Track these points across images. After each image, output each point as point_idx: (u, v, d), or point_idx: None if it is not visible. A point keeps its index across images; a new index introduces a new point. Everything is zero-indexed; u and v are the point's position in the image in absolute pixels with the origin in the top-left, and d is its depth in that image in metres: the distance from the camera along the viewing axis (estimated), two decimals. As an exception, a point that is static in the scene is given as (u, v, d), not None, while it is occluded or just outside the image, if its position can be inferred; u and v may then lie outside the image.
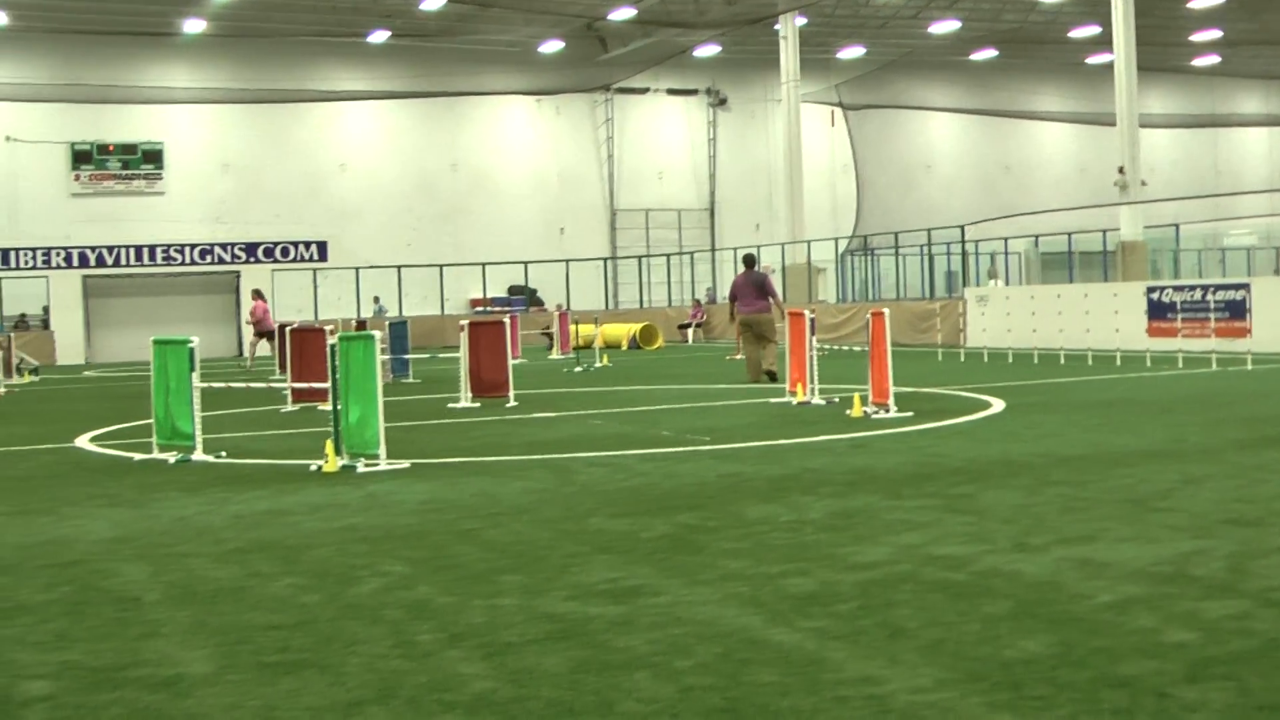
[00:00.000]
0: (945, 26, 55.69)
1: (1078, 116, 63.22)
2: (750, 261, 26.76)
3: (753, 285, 26.04)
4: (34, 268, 50.41)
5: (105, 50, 51.55)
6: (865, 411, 17.51)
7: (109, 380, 35.50)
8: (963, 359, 31.24)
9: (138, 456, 15.19)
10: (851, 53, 58.40)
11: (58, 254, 50.73)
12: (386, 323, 30.76)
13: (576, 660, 6.05)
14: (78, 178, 51.99)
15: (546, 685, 5.68)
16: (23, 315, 50.39)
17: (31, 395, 29.24)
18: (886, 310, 18.24)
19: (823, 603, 7.02)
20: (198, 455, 14.68)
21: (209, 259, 52.57)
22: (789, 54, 49.59)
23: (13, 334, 40.26)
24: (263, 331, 37.99)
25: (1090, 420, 16.40)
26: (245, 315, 39.91)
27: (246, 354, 39.87)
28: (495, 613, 7.04)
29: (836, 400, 19.37)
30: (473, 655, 6.22)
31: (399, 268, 53.74)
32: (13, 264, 50.26)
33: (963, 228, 42.67)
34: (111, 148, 52.28)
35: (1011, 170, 64.72)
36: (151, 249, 51.77)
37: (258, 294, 38.85)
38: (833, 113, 59.25)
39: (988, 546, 8.39)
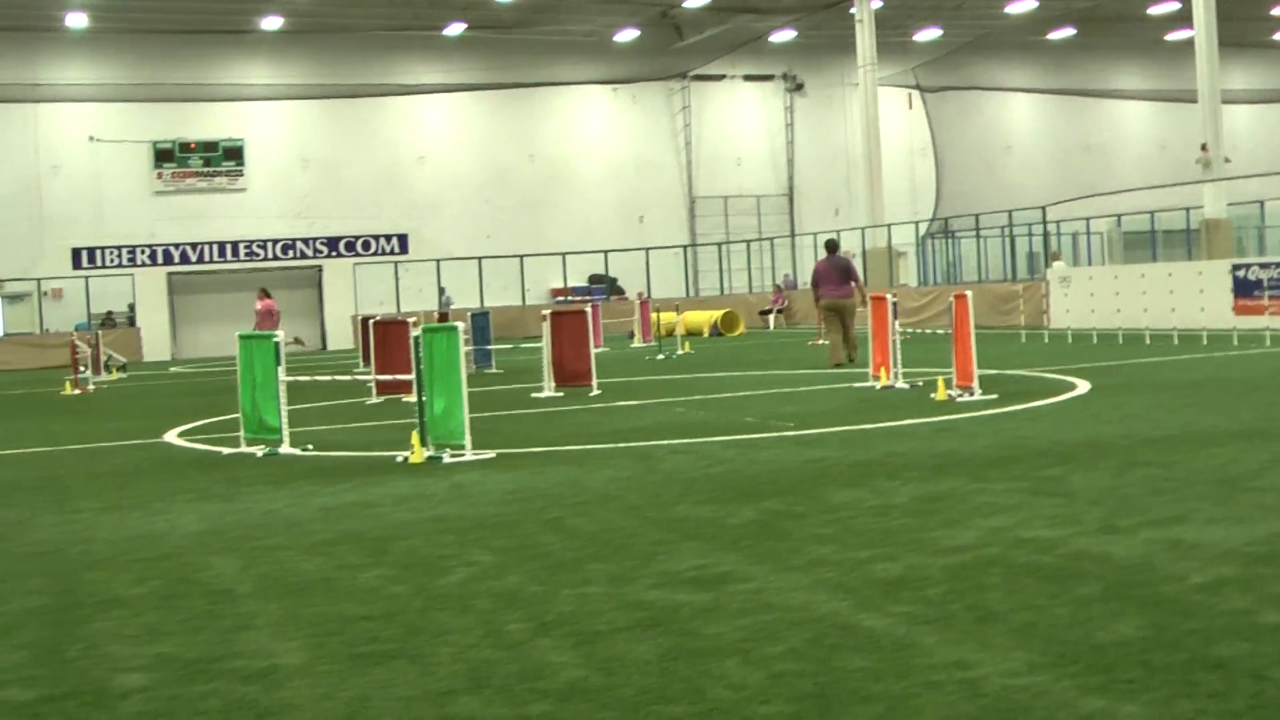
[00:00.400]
0: (1022, 6, 55.10)
1: (1158, 94, 62.51)
2: (833, 247, 26.69)
3: (837, 270, 26.02)
4: (119, 266, 51.09)
5: (184, 49, 52.02)
6: (949, 395, 17.41)
7: (195, 376, 35.87)
8: (1046, 340, 31.01)
9: (225, 451, 15.35)
10: (928, 35, 57.97)
11: (142, 252, 51.36)
12: (469, 314, 30.83)
13: (666, 648, 6.06)
14: (160, 176, 52.52)
15: (637, 673, 5.70)
16: (109, 313, 51.01)
17: (120, 391, 29.61)
18: (969, 293, 18.12)
19: (912, 587, 6.99)
20: (284, 449, 14.81)
21: (291, 254, 53.05)
22: (865, 37, 49.32)
23: (100, 331, 40.75)
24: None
25: (1177, 400, 16.22)
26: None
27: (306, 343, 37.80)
28: (584, 601, 7.06)
29: (920, 384, 19.27)
30: (563, 644, 6.24)
31: (479, 259, 53.93)
32: (99, 262, 50.94)
33: (1044, 208, 42.35)
34: (193, 145, 52.76)
35: (1092, 150, 64.04)
36: (234, 245, 52.34)
37: (264, 293, 36.97)
38: (910, 95, 58.92)
39: (1076, 529, 8.33)
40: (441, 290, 52.62)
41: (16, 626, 7.17)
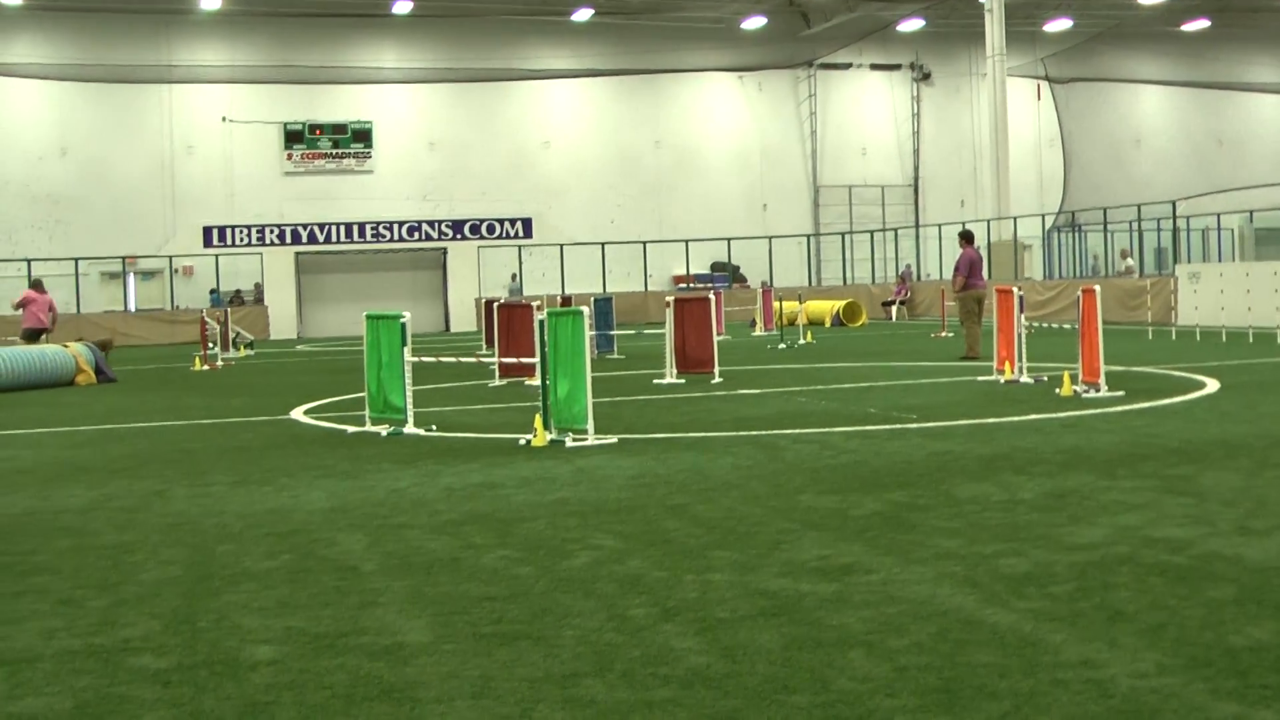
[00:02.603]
0: (1156, -4, 54.33)
1: (1296, 88, 61.35)
2: (971, 238, 26.23)
3: (980, 261, 25.82)
4: (249, 244, 51.76)
5: (316, 32, 52.65)
6: (1075, 390, 17.20)
7: (321, 354, 36.29)
8: (1174, 338, 30.54)
9: (351, 429, 15.52)
10: (1058, 25, 57.26)
11: (271, 231, 52.00)
12: (592, 299, 30.85)
13: (790, 637, 6.05)
14: (290, 157, 53.17)
15: (761, 661, 5.69)
16: (238, 291, 51.75)
17: (247, 369, 30.02)
18: (1098, 287, 17.89)
19: (1039, 584, 6.93)
20: (409, 428, 14.94)
21: (417, 236, 53.44)
22: (994, 27, 48.80)
23: (229, 309, 41.35)
24: (36, 329, 29.67)
25: (1311, 401, 15.93)
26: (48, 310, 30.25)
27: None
28: (707, 588, 7.07)
29: (1045, 379, 19.05)
30: (686, 630, 6.25)
31: (603, 244, 54.08)
32: (229, 241, 51.66)
33: (1174, 203, 41.70)
34: (319, 131, 53.33)
35: (1225, 144, 62.87)
36: (361, 226, 52.82)
37: (38, 285, 31.12)
38: (1039, 86, 58.24)
39: (1208, 529, 8.20)
40: (513, 277, 52.68)
41: (151, 596, 7.32)
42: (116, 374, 26.19)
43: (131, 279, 51.89)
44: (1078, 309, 17.96)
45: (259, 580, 7.64)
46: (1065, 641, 5.84)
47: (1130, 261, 43.40)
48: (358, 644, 6.20)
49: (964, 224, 37.24)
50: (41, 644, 6.40)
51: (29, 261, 47.39)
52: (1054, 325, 36.39)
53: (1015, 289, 20.26)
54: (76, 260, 49.20)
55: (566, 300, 33.96)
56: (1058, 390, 17.43)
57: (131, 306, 51.20)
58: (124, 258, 50.91)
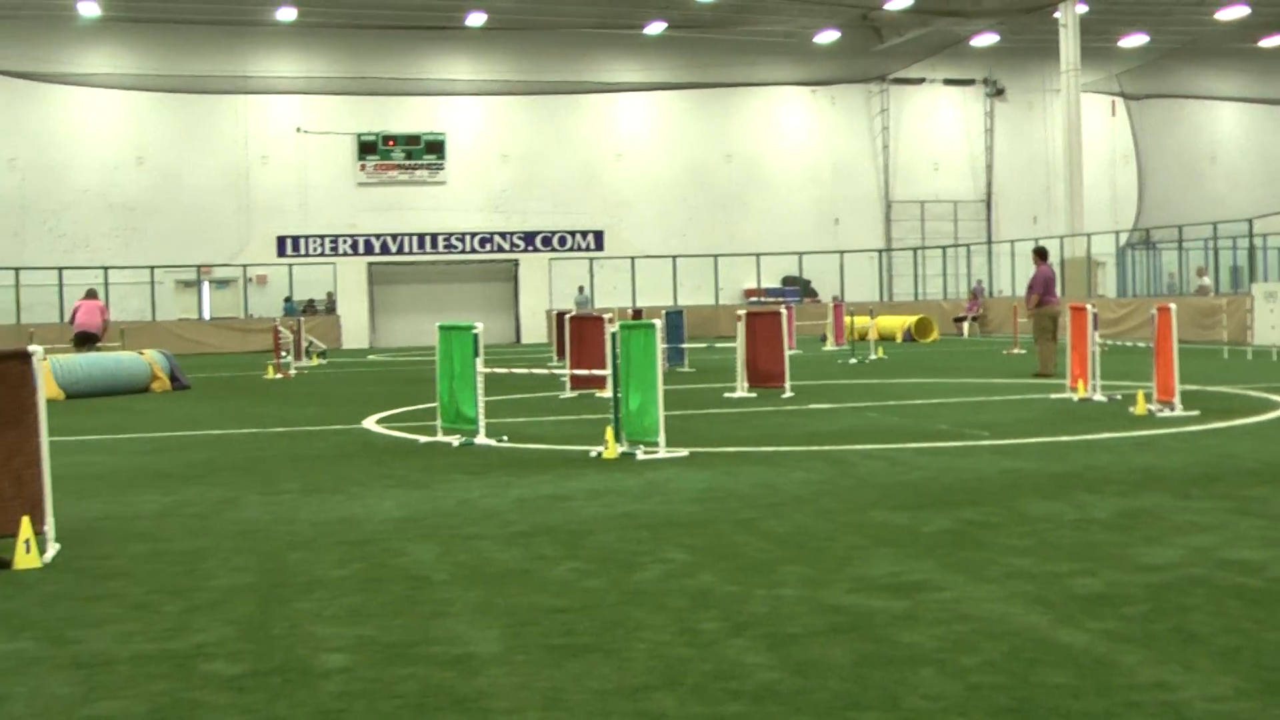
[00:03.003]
0: (1233, 12, 53.60)
1: (1375, 105, 60.60)
2: (1046, 254, 25.99)
3: (1054, 278, 25.56)
4: (322, 255, 52.17)
5: (390, 44, 52.97)
6: (1149, 409, 17.06)
7: (392, 364, 36.47)
8: (1249, 357, 30.22)
9: (422, 439, 15.59)
10: (1133, 41, 56.84)
11: (344, 241, 52.41)
12: (664, 312, 30.87)
13: (861, 654, 6.03)
14: (363, 168, 53.52)
15: (832, 677, 5.68)
16: (310, 300, 52.11)
17: (319, 378, 30.21)
18: (1173, 305, 17.73)
19: (1112, 604, 6.87)
20: (480, 439, 14.99)
21: (488, 247, 53.71)
22: (1069, 42, 48.48)
23: (302, 318, 41.65)
24: (84, 333, 29.61)
25: (1390, 423, 15.72)
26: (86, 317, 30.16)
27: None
28: (778, 603, 7.05)
29: (1119, 397, 18.90)
30: (757, 645, 6.24)
31: (673, 257, 54.12)
32: (302, 251, 52.10)
33: (1250, 221, 41.26)
34: (392, 142, 53.64)
35: (1303, 162, 62.29)
36: (433, 237, 53.13)
37: (90, 294, 31.44)
38: (1113, 102, 57.86)
39: (1284, 552, 8.12)
40: (580, 289, 52.70)
41: (224, 602, 7.38)
42: (190, 381, 26.44)
43: (206, 287, 52.43)
44: (1152, 327, 17.82)
45: (330, 588, 7.69)
46: (1139, 663, 5.79)
47: (1206, 280, 43.02)
48: (428, 654, 6.23)
49: (1037, 240, 36.98)
50: (117, 648, 6.47)
51: (105, 269, 47.99)
52: (1128, 343, 36.07)
53: (1089, 306, 20.11)
54: (152, 268, 49.76)
55: (638, 313, 33.97)
56: (1131, 409, 17.28)
57: (206, 314, 51.72)
58: (198, 266, 51.45)
